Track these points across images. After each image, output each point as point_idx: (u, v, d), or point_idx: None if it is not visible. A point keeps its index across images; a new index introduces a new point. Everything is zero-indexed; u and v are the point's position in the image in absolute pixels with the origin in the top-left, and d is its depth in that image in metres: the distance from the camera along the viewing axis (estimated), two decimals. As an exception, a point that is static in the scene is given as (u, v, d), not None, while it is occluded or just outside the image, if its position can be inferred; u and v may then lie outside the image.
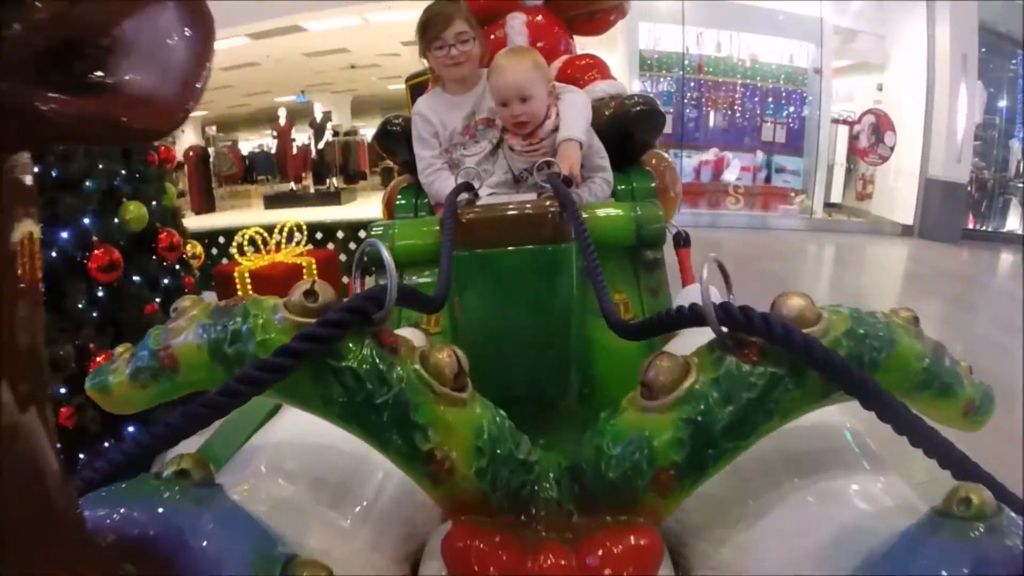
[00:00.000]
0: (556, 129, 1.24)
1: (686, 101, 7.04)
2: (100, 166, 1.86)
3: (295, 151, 9.66)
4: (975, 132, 6.88)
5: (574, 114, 1.26)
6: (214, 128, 13.25)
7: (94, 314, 1.88)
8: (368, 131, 17.39)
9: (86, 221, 1.80)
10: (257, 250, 2.86)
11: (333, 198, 9.29)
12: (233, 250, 2.77)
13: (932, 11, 6.56)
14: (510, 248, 0.88)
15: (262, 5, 7.07)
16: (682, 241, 1.22)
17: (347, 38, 9.24)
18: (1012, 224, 7.55)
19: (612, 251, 1.09)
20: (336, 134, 11.02)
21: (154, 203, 2.12)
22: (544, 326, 0.93)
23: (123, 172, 2.03)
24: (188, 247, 2.48)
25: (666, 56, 6.92)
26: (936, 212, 6.64)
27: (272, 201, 9.48)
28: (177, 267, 2.38)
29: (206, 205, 9.61)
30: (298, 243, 3.01)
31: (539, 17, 1.68)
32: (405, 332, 0.93)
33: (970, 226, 7.09)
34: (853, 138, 7.07)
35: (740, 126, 7.19)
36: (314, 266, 2.83)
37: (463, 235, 0.87)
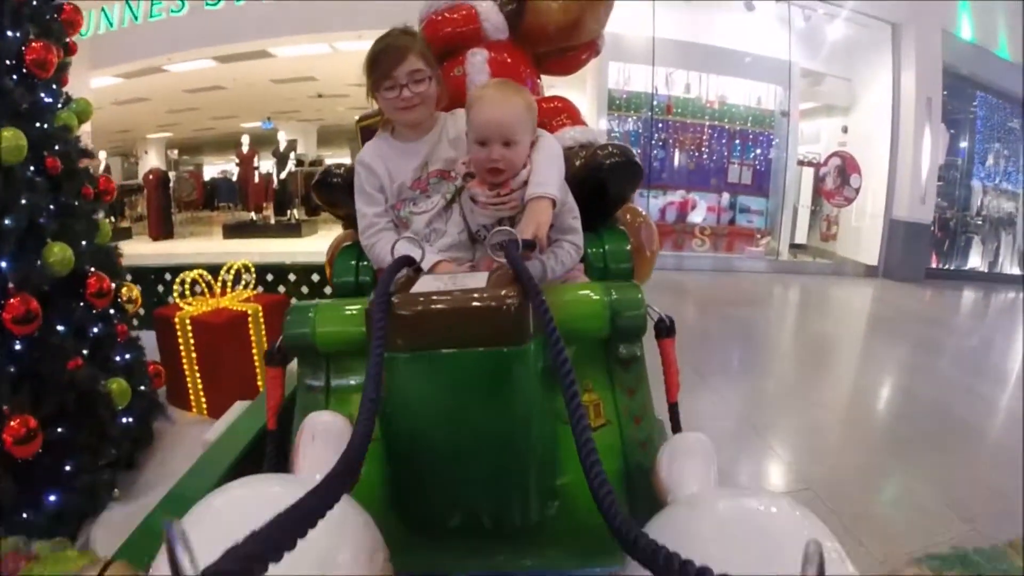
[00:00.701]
0: (527, 182, 1.10)
1: (654, 142, 7.08)
2: (23, 200, 1.65)
3: (257, 179, 9.42)
4: (938, 172, 7.08)
5: (549, 167, 1.11)
6: (176, 151, 12.92)
7: (10, 369, 1.66)
8: (335, 160, 17.34)
9: (2, 264, 1.59)
10: (201, 293, 2.64)
11: (294, 230, 9.08)
12: (175, 293, 2.54)
13: (898, 56, 6.80)
14: (457, 350, 0.72)
15: (229, 29, 6.91)
16: (665, 330, 1.01)
17: (315, 66, 9.11)
18: (974, 261, 7.81)
19: (582, 342, 0.94)
20: (300, 163, 10.83)
21: (84, 243, 1.91)
22: (499, 438, 0.76)
23: (50, 207, 1.83)
24: (124, 290, 2.27)
25: (635, 96, 6.97)
26: (900, 252, 6.79)
27: (232, 231, 9.22)
28: (112, 311, 2.17)
29: (164, 231, 9.29)
30: (246, 285, 2.80)
31: (504, 54, 1.54)
32: (325, 417, 0.75)
33: (933, 265, 7.27)
34: (819, 180, 7.22)
35: (707, 167, 7.25)
36: (260, 314, 2.61)
37: (399, 330, 0.71)
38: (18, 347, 1.65)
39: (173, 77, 8.82)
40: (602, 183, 1.29)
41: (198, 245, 8.66)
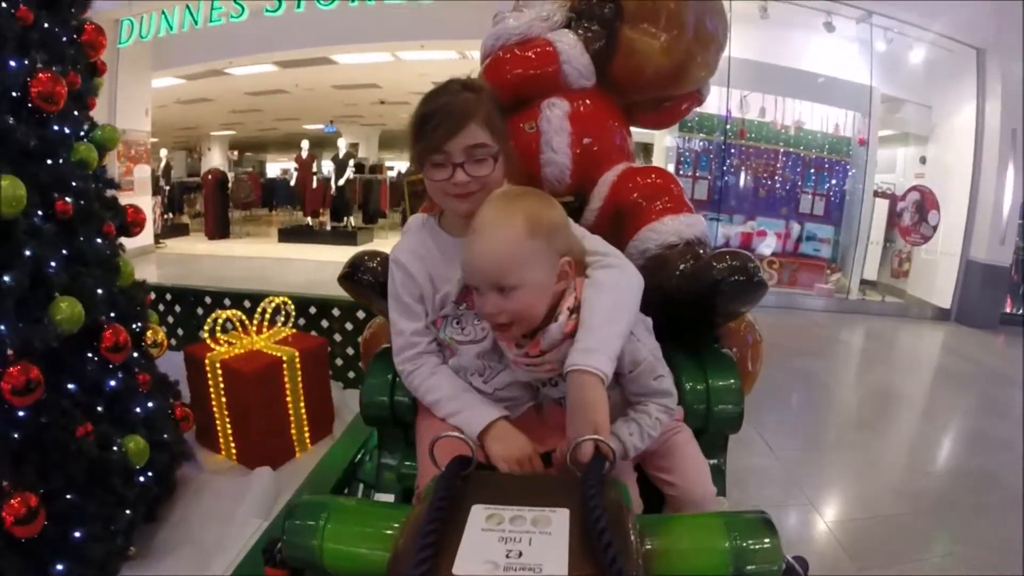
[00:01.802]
0: (572, 333, 0.79)
1: (725, 168, 6.67)
2: (27, 252, 1.48)
3: (315, 185, 9.46)
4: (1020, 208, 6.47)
5: (604, 317, 0.79)
6: (235, 153, 13.25)
7: (14, 436, 1.49)
8: (396, 164, 17.54)
9: (0, 328, 1.42)
10: (235, 328, 2.47)
11: (349, 238, 9.05)
12: (205, 331, 2.37)
13: (983, 84, 6.24)
14: None
15: (290, 35, 6.91)
16: None
17: (377, 74, 9.11)
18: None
19: None
20: (360, 168, 10.85)
21: (100, 291, 1.74)
22: None
23: (63, 252, 1.66)
24: (149, 334, 2.10)
25: (707, 118, 6.58)
26: (975, 296, 6.25)
27: (287, 235, 9.29)
28: (135, 355, 2.01)
29: (220, 231, 9.42)
30: (284, 322, 2.62)
31: (589, 104, 1.24)
32: None
33: (1007, 309, 6.64)
34: (896, 215, 6.66)
35: (778, 196, 6.79)
36: (297, 360, 2.42)
37: None
38: (21, 413, 1.47)
39: (235, 80, 8.97)
40: (711, 300, 1.00)
41: (252, 247, 8.77)
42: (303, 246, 8.83)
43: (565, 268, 0.81)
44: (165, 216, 9.12)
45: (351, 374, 3.11)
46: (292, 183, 9.87)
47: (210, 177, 9.45)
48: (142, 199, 7.67)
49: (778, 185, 6.75)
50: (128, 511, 1.80)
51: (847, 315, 6.33)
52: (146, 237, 7.81)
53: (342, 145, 10.52)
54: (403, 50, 7.76)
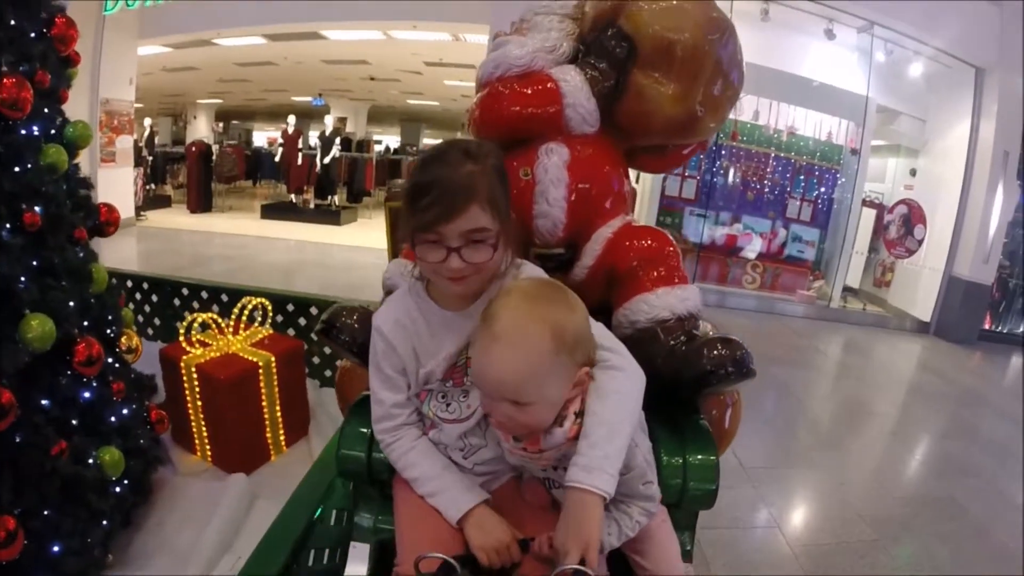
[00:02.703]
0: (575, 436, 0.77)
1: (715, 168, 6.66)
2: (-6, 268, 1.43)
3: (300, 162, 9.28)
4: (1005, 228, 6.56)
5: (610, 431, 0.76)
6: (220, 124, 12.93)
7: None
8: (384, 138, 17.21)
9: None
10: (211, 327, 2.43)
11: (333, 217, 8.93)
12: (180, 334, 2.33)
13: (979, 103, 6.26)
14: None
15: (280, 10, 6.72)
16: None
17: (368, 50, 8.91)
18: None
19: None
20: (348, 143, 10.66)
21: (72, 303, 1.69)
22: None
23: (33, 263, 1.60)
24: (124, 339, 2.06)
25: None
26: (956, 312, 6.35)
27: (270, 211, 9.12)
28: (111, 361, 1.97)
29: (202, 204, 9.24)
30: (261, 322, 2.59)
31: (590, 152, 1.15)
32: None
33: (986, 326, 6.78)
34: (883, 227, 6.72)
35: (767, 199, 6.81)
36: (273, 365, 2.40)
37: None
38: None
39: (223, 50, 8.71)
40: (701, 381, 0.98)
41: (235, 223, 8.61)
42: (286, 223, 8.71)
43: (583, 377, 0.78)
44: (147, 187, 8.90)
45: (328, 372, 3.08)
46: (277, 159, 9.67)
47: (194, 149, 9.23)
48: (124, 170, 7.49)
49: (767, 189, 6.77)
50: (105, 522, 1.79)
51: (827, 323, 6.39)
52: (127, 210, 7.63)
53: (328, 122, 10.31)
54: (395, 29, 7.58)
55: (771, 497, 2.62)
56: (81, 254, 1.84)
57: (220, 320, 2.39)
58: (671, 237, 1.17)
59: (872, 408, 4.07)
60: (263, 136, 18.46)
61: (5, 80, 1.48)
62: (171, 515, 2.12)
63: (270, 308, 2.60)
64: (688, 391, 1.01)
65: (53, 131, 1.82)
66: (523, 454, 0.80)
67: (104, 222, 2.05)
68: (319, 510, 1.26)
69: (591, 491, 0.73)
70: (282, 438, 2.59)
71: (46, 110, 1.78)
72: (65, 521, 1.61)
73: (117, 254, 5.18)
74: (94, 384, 1.83)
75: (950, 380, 4.97)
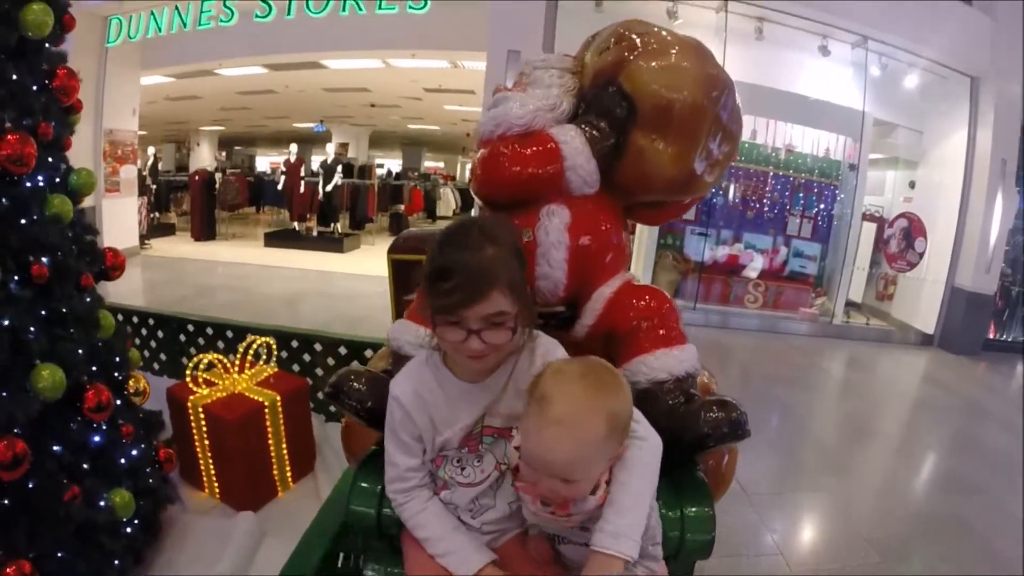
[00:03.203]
0: (600, 505, 0.82)
1: (715, 189, 6.72)
2: (5, 321, 1.47)
3: (303, 189, 9.38)
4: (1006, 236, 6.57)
5: (635, 501, 0.81)
6: (224, 153, 13.11)
7: (4, 502, 1.49)
8: (386, 162, 17.34)
9: None
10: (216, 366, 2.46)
11: (336, 244, 9.00)
12: (187, 375, 2.36)
13: (975, 112, 6.31)
14: None
15: (280, 40, 6.84)
16: None
17: (368, 78, 9.04)
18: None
19: None
20: (349, 169, 10.78)
21: (81, 351, 1.73)
22: None
23: (42, 314, 1.64)
24: (131, 382, 2.09)
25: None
26: (959, 324, 6.34)
27: (273, 239, 9.19)
28: (119, 402, 2.00)
29: (206, 232, 9.32)
30: (266, 360, 2.62)
31: (591, 210, 1.16)
32: None
33: (991, 335, 6.78)
34: (883, 241, 6.74)
35: (767, 217, 6.85)
36: (279, 404, 2.42)
37: None
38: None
39: (225, 80, 8.86)
40: (698, 441, 1.00)
41: (238, 251, 8.68)
42: (289, 251, 8.77)
43: (621, 452, 0.83)
44: (151, 215, 9.00)
45: (332, 408, 3.11)
46: (280, 187, 9.77)
47: (197, 178, 9.33)
48: (129, 199, 7.59)
49: (766, 207, 6.81)
50: (117, 562, 1.81)
51: (831, 339, 6.38)
52: (131, 238, 7.72)
53: (330, 150, 10.42)
54: (394, 57, 7.71)
55: (774, 523, 2.62)
56: (88, 300, 1.87)
57: (226, 360, 2.42)
58: (669, 296, 1.19)
59: (876, 427, 4.05)
60: (266, 161, 18.71)
61: (9, 136, 1.51)
62: (181, 554, 2.14)
63: (275, 346, 2.62)
64: (687, 452, 1.03)
65: (58, 179, 1.84)
66: (550, 517, 0.83)
67: (109, 267, 2.08)
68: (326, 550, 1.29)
69: (617, 556, 0.78)
70: (289, 475, 2.61)
71: (50, 159, 1.80)
72: (79, 563, 1.64)
73: (122, 285, 5.14)
74: (104, 428, 1.85)
75: (954, 393, 4.96)
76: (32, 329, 1.54)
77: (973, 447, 3.79)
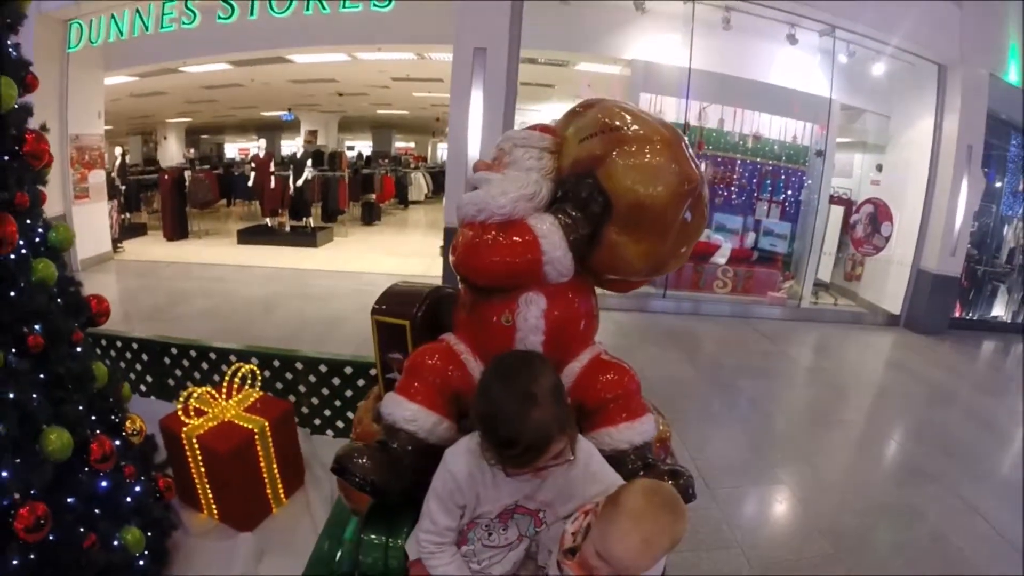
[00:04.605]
0: None
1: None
2: (10, 395, 1.55)
3: (273, 184, 9.29)
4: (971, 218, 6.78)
5: None
6: (192, 151, 12.85)
7: (29, 558, 1.59)
8: (358, 144, 17.10)
9: (3, 474, 1.49)
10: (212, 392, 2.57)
11: (309, 238, 8.96)
12: (178, 408, 2.46)
13: (942, 99, 6.45)
14: None
15: (243, 38, 6.72)
16: None
17: (335, 70, 8.95)
18: (998, 310, 7.56)
19: None
20: (320, 156, 10.67)
21: (81, 407, 1.82)
22: None
23: (41, 377, 1.72)
24: (128, 424, 2.18)
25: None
26: (924, 305, 6.59)
27: (246, 235, 9.12)
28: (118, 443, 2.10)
29: (178, 231, 9.21)
30: (251, 385, 2.72)
31: (567, 297, 1.26)
32: None
33: (956, 314, 7.06)
34: (850, 227, 6.96)
35: (735, 204, 7.04)
36: (267, 429, 2.54)
37: None
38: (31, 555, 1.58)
39: (190, 76, 8.68)
40: None
41: (212, 251, 8.59)
42: (262, 248, 8.71)
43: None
44: (123, 216, 8.84)
45: (317, 421, 3.24)
46: (250, 183, 9.65)
47: (167, 177, 9.17)
48: (99, 205, 7.46)
49: (734, 194, 6.98)
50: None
51: (800, 323, 6.58)
52: (104, 244, 7.59)
53: (299, 143, 10.30)
54: (360, 51, 7.64)
55: (735, 518, 2.78)
56: (81, 353, 1.94)
57: (213, 392, 2.52)
58: (631, 370, 1.32)
59: (838, 416, 4.22)
60: (235, 148, 18.34)
61: None
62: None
63: (259, 374, 2.73)
64: None
65: (37, 239, 1.86)
66: None
67: (96, 314, 2.14)
68: None
69: None
70: (281, 491, 2.73)
71: (28, 220, 1.81)
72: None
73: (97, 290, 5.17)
74: (109, 473, 1.96)
75: (918, 378, 5.17)
76: (35, 396, 1.62)
77: (933, 435, 3.96)
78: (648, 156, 1.13)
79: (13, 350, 1.62)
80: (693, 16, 6.32)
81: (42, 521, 1.53)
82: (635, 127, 1.16)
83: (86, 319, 2.09)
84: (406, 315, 1.51)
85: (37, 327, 1.71)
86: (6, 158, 1.74)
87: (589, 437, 1.21)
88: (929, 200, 6.53)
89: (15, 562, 1.55)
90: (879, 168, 7.49)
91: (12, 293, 1.65)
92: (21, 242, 1.75)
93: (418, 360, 1.31)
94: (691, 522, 2.61)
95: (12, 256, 1.68)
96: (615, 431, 1.22)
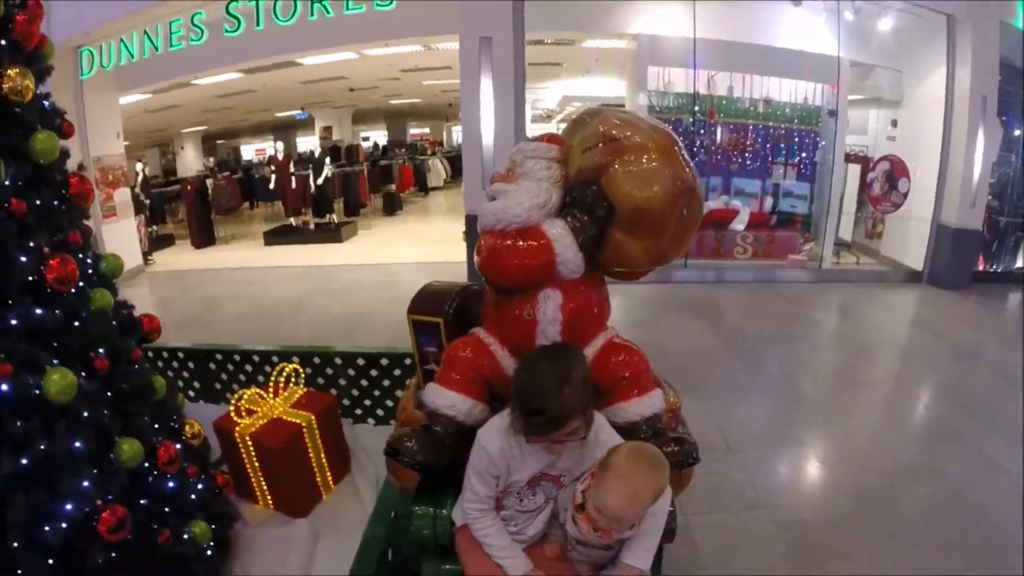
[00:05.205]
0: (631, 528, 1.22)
1: (695, 148, 6.85)
2: (85, 414, 1.74)
3: (294, 185, 9.49)
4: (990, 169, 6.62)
5: (654, 529, 1.23)
6: (211, 159, 13.12)
7: (112, 560, 1.80)
8: (373, 134, 17.21)
9: (85, 484, 1.67)
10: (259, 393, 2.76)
11: (334, 234, 9.16)
12: (231, 409, 2.66)
13: (953, 51, 6.31)
14: None
15: (252, 48, 6.84)
16: None
17: (344, 68, 9.06)
18: (1022, 261, 7.38)
19: None
20: (336, 151, 10.84)
21: (146, 418, 2.01)
22: None
23: (108, 395, 1.91)
24: (187, 428, 2.39)
25: (675, 98, 6.74)
26: (946, 259, 6.51)
27: (272, 236, 9.36)
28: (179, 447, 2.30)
29: (205, 239, 9.50)
30: (295, 383, 2.91)
31: (580, 290, 1.42)
32: None
33: (980, 267, 6.95)
34: (867, 185, 6.89)
35: (750, 169, 7.01)
36: (314, 423, 2.73)
37: None
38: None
39: (202, 88, 8.88)
40: None
41: (239, 255, 8.86)
42: (289, 247, 8.94)
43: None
44: (150, 229, 9.15)
45: (358, 411, 3.43)
46: (272, 185, 9.88)
47: (189, 188, 9.44)
48: (127, 221, 7.75)
49: (749, 160, 6.95)
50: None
51: (822, 284, 6.55)
52: (135, 258, 7.86)
53: (316, 142, 10.45)
54: (367, 48, 7.72)
55: (758, 480, 2.87)
56: (140, 370, 2.13)
57: (261, 392, 2.71)
58: (640, 351, 1.47)
59: (861, 377, 4.22)
60: (251, 149, 18.63)
61: (52, 262, 1.72)
62: (251, 564, 2.46)
63: (302, 372, 2.91)
64: None
65: (90, 271, 2.04)
66: (595, 538, 1.24)
67: (148, 331, 2.33)
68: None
69: (640, 570, 1.24)
70: (329, 478, 2.93)
71: (80, 255, 1.98)
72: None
73: (136, 308, 5.39)
74: (175, 475, 2.16)
75: (940, 334, 5.11)
76: (106, 412, 1.81)
77: (954, 393, 3.94)
78: (644, 163, 1.27)
79: (83, 373, 1.80)
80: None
81: (123, 522, 1.72)
82: (632, 137, 1.30)
83: (140, 337, 2.28)
84: (439, 312, 1.66)
85: (101, 350, 1.89)
86: (55, 202, 1.91)
87: (605, 412, 1.38)
88: (945, 153, 6.41)
89: (100, 561, 1.75)
90: (894, 124, 7.34)
91: (76, 323, 1.84)
92: (82, 284, 1.94)
93: (453, 353, 1.50)
94: (715, 486, 2.77)
95: (73, 290, 1.86)
96: (628, 405, 1.39)
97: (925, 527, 2.55)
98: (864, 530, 2.53)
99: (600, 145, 1.31)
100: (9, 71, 1.70)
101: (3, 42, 1.74)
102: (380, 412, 3.38)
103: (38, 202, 1.80)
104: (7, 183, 1.68)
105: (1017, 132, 7.10)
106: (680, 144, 1.33)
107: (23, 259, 1.69)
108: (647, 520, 1.21)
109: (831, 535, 2.50)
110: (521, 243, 1.34)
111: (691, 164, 1.32)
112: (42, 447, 1.60)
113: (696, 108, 6.70)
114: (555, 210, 1.38)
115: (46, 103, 1.91)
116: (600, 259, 1.40)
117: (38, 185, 1.82)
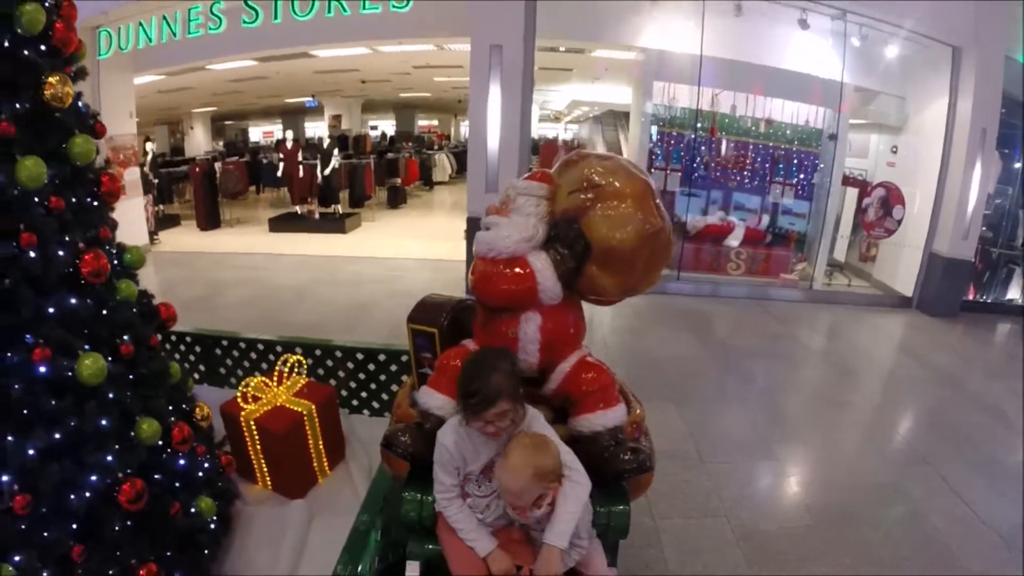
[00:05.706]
0: (548, 515, 1.41)
1: (695, 164, 7.01)
2: (111, 395, 1.90)
3: (302, 174, 9.63)
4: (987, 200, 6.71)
5: (567, 514, 1.39)
6: (220, 143, 13.20)
7: (129, 528, 1.96)
8: (381, 124, 17.28)
9: (109, 458, 1.84)
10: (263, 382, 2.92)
11: (338, 225, 9.30)
12: (238, 395, 2.83)
13: (956, 82, 6.42)
14: None
15: (269, 38, 6.94)
16: None
17: (357, 62, 9.19)
18: (1013, 293, 7.53)
19: None
20: (344, 140, 10.96)
21: (162, 401, 2.18)
22: None
23: (130, 378, 2.07)
24: (197, 411, 2.55)
25: (678, 113, 6.89)
26: (936, 287, 6.59)
27: (277, 223, 9.49)
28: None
29: (211, 221, 9.64)
30: (298, 373, 3.08)
31: (558, 315, 1.62)
32: None
33: (970, 296, 7.04)
34: (861, 211, 7.01)
35: (748, 187, 7.17)
36: (314, 412, 2.90)
37: None
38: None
39: (215, 72, 8.99)
40: (617, 474, 1.55)
41: (244, 240, 9.01)
42: (293, 235, 9.08)
43: (554, 489, 1.42)
44: (157, 209, 9.29)
45: (354, 402, 3.60)
46: (280, 173, 10.01)
47: (197, 170, 9.58)
48: (135, 201, 7.88)
49: (747, 178, 7.11)
50: (207, 551, 2.32)
51: (812, 304, 6.67)
52: (142, 237, 7.98)
53: (324, 133, 10.56)
54: (381, 45, 7.84)
55: (724, 489, 3.01)
56: (158, 356, 2.30)
57: (266, 380, 2.89)
58: (609, 369, 1.67)
59: (842, 397, 4.32)
60: (259, 131, 18.75)
61: (87, 256, 1.88)
62: (249, 539, 2.64)
63: (305, 364, 3.08)
64: (613, 478, 1.57)
65: (115, 262, 2.17)
66: (517, 517, 1.47)
67: (165, 319, 2.49)
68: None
69: (553, 546, 1.40)
70: (326, 464, 3.10)
71: (107, 248, 2.13)
72: (183, 558, 2.15)
73: (143, 287, 5.52)
74: (186, 453, 2.33)
75: (924, 360, 5.18)
76: (128, 393, 1.98)
77: (929, 419, 4.04)
78: (620, 208, 1.49)
79: (110, 358, 1.96)
80: (704, 3, 6.39)
81: (141, 494, 1.89)
82: (612, 183, 1.51)
83: (158, 324, 2.44)
84: (435, 324, 1.87)
85: (126, 337, 2.06)
86: (89, 200, 2.05)
87: (572, 422, 1.61)
88: (942, 183, 6.52)
89: (116, 528, 1.92)
90: (894, 150, 7.47)
91: (104, 312, 2.00)
92: (111, 279, 2.09)
93: (445, 361, 1.70)
94: (683, 493, 2.95)
95: (104, 283, 2.02)
96: (593, 417, 1.58)
97: (881, 546, 2.68)
98: (820, 545, 2.66)
99: (584, 189, 1.51)
100: (50, 79, 1.83)
101: (43, 48, 1.85)
102: (375, 404, 3.56)
103: (74, 200, 1.95)
104: (47, 182, 1.82)
105: (1017, 165, 7.25)
106: (654, 191, 1.53)
107: (60, 253, 1.84)
108: (560, 504, 1.39)
109: (789, 546, 2.64)
110: (508, 271, 1.55)
111: (662, 208, 1.53)
112: (72, 424, 1.77)
113: (699, 124, 6.85)
114: (540, 243, 1.58)
115: (80, 104, 2.04)
116: (578, 288, 1.61)
117: (75, 184, 1.97)
